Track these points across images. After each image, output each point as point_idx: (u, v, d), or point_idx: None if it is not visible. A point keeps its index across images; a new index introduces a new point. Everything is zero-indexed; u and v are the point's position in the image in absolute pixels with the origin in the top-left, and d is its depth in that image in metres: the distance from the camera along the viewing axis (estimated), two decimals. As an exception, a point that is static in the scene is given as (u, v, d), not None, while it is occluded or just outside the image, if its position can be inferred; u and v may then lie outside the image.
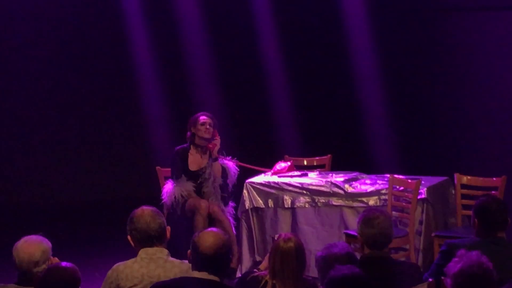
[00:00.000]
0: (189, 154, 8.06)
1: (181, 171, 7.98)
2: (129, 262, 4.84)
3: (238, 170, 8.19)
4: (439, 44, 10.85)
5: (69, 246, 8.19)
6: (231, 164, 8.15)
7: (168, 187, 7.99)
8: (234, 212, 8.14)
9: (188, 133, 8.07)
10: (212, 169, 7.99)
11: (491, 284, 4.13)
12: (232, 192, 8.18)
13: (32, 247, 4.78)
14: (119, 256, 5.31)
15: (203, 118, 7.99)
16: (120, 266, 4.84)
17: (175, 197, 7.88)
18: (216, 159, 8.00)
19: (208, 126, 7.96)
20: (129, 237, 4.89)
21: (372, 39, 10.49)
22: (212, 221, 7.81)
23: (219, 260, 4.27)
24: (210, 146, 7.99)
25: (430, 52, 10.94)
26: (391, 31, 10.97)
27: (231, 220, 8.04)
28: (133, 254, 4.93)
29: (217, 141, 8.01)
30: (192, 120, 8.05)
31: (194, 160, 8.06)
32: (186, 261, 4.77)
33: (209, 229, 4.47)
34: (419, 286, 4.94)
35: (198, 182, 8.00)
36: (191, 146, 8.07)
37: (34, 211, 11.11)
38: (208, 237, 4.29)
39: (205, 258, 4.23)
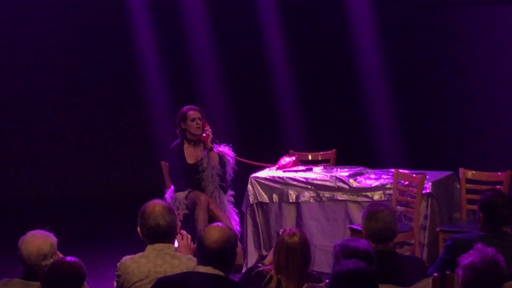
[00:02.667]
0: (184, 148, 8.09)
1: (183, 185, 8.01)
2: (136, 256, 4.84)
3: (235, 154, 8.21)
4: (444, 38, 10.83)
5: (73, 241, 8.20)
6: (226, 150, 8.17)
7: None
8: (233, 200, 8.17)
9: (178, 130, 8.09)
10: (210, 160, 8.02)
11: (498, 283, 4.13)
12: (232, 178, 8.20)
13: (40, 240, 4.79)
14: (124, 251, 5.32)
15: (191, 113, 8.02)
16: (127, 260, 4.85)
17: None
18: (211, 149, 8.04)
19: (198, 121, 8.01)
20: (138, 229, 4.90)
21: (377, 34, 10.48)
22: (211, 218, 7.84)
23: (224, 255, 4.26)
24: (203, 136, 8.01)
25: (435, 47, 10.92)
26: (396, 25, 10.95)
27: (233, 210, 8.09)
28: (138, 248, 4.94)
29: (209, 131, 8.06)
30: (180, 116, 8.06)
31: (190, 154, 8.10)
32: (194, 258, 4.78)
33: (215, 224, 4.46)
34: (424, 281, 4.94)
35: (198, 174, 8.03)
36: (184, 141, 8.10)
37: (37, 207, 11.12)
38: (214, 232, 4.28)
39: (211, 253, 4.22)
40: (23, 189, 11.72)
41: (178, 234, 5.03)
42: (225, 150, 8.18)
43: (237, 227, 8.00)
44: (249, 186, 8.02)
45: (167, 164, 8.27)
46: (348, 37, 10.69)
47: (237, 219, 8.11)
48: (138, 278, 4.77)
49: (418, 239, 7.28)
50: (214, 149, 8.08)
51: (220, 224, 4.47)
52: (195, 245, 4.47)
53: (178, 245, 4.97)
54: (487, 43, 10.45)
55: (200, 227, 7.49)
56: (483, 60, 10.50)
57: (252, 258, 7.94)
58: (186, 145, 8.13)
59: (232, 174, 8.18)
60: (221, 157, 8.09)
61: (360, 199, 7.68)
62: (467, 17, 10.63)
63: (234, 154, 8.21)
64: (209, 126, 8.08)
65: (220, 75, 11.03)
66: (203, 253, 4.25)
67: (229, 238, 4.28)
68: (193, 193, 7.96)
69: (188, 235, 5.11)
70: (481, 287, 4.10)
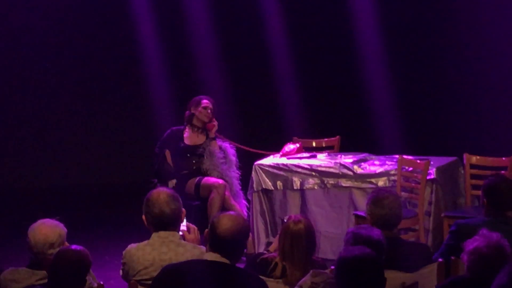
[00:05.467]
0: (184, 131, 8.15)
1: (171, 175, 8.06)
2: (141, 244, 4.86)
3: (236, 154, 8.25)
4: (447, 23, 10.80)
5: (79, 229, 8.21)
6: (228, 147, 8.21)
7: None
8: (244, 194, 8.20)
9: (187, 112, 8.16)
10: (210, 148, 8.07)
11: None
12: (240, 174, 8.22)
13: (49, 229, 4.81)
14: (129, 239, 5.33)
15: (205, 102, 8.13)
16: (132, 249, 4.86)
17: None
18: (213, 139, 8.08)
19: (209, 111, 8.10)
20: (143, 217, 4.91)
21: (379, 20, 10.45)
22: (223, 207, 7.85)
23: (234, 245, 4.25)
24: (209, 126, 8.07)
25: (438, 32, 10.90)
26: (398, 11, 10.92)
27: (244, 203, 8.11)
28: (143, 237, 4.95)
29: (215, 122, 8.13)
30: (194, 101, 8.18)
31: (191, 138, 8.16)
32: (200, 246, 4.80)
33: (229, 212, 4.45)
34: (429, 266, 4.95)
35: (195, 157, 8.06)
36: (188, 126, 8.15)
37: (43, 196, 11.14)
38: (228, 220, 4.27)
39: (221, 241, 4.22)
40: (29, 178, 11.75)
41: (185, 230, 5.03)
42: (227, 146, 8.21)
43: (245, 212, 8.02)
44: (253, 173, 8.03)
45: (169, 152, 8.29)
46: (350, 23, 10.67)
47: (245, 203, 8.14)
48: (143, 266, 4.78)
49: (423, 225, 7.28)
50: (217, 141, 8.13)
51: (233, 213, 4.46)
52: (203, 233, 4.46)
53: (185, 240, 4.97)
54: (493, 28, 10.41)
55: (214, 213, 7.57)
56: (487, 44, 10.47)
57: (260, 245, 7.95)
58: (188, 130, 8.18)
59: (237, 170, 8.19)
60: (221, 149, 8.14)
61: (364, 185, 7.68)
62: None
63: (235, 152, 8.24)
64: (216, 121, 8.15)
65: (222, 63, 11.02)
66: (213, 239, 4.25)
67: (241, 228, 4.28)
68: (207, 179, 7.97)
69: (195, 227, 5.11)
70: (486, 272, 4.11)
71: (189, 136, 8.18)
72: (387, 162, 7.89)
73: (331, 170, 7.83)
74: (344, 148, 8.70)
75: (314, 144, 8.77)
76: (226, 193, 7.91)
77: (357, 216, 7.25)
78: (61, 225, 4.89)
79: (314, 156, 8.21)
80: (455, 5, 10.73)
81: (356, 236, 4.63)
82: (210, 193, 7.84)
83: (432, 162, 7.50)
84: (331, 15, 11.31)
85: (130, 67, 11.58)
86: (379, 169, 7.75)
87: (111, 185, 11.62)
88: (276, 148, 8.53)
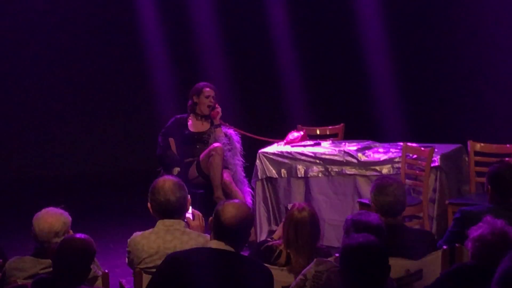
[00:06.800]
0: (188, 119, 8.14)
1: (175, 162, 8.06)
2: (146, 232, 4.87)
3: (240, 141, 8.25)
4: (450, 9, 10.77)
5: (83, 217, 8.23)
6: (233, 134, 8.21)
7: None
8: (247, 181, 8.20)
9: (190, 102, 8.15)
10: (215, 134, 8.07)
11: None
12: (244, 162, 8.22)
13: (54, 217, 4.82)
14: (134, 227, 5.34)
15: (207, 90, 8.12)
16: (137, 237, 4.88)
17: None
18: (218, 125, 8.08)
19: (212, 100, 8.08)
20: (149, 205, 4.92)
21: (381, 6, 10.43)
22: (227, 194, 7.85)
23: (239, 233, 4.25)
24: (213, 113, 8.08)
25: (440, 18, 10.87)
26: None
27: (248, 190, 8.11)
28: (148, 225, 4.96)
29: (219, 109, 8.14)
30: (195, 90, 8.17)
31: (195, 125, 8.18)
32: (204, 235, 4.80)
33: (234, 200, 4.45)
34: (433, 254, 4.95)
35: (201, 144, 8.07)
36: (191, 114, 8.15)
37: (47, 184, 11.16)
38: (232, 209, 4.26)
39: (225, 229, 4.22)
40: (33, 167, 11.76)
41: (189, 217, 5.03)
42: (232, 133, 8.21)
43: (249, 199, 8.03)
44: (257, 161, 8.03)
45: (174, 140, 8.30)
46: (354, 10, 10.65)
47: (250, 190, 8.15)
48: (148, 254, 4.79)
49: (427, 212, 7.28)
50: (222, 128, 8.13)
51: (238, 201, 4.46)
52: (209, 220, 4.46)
53: (190, 227, 4.98)
54: (496, 14, 10.38)
55: (217, 173, 7.58)
56: (491, 31, 10.44)
57: (262, 233, 7.96)
58: (192, 118, 8.18)
59: (241, 158, 8.19)
60: (226, 135, 8.15)
61: (368, 173, 7.67)
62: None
63: (239, 139, 8.24)
64: (219, 107, 8.14)
65: (226, 51, 11.00)
66: (218, 227, 4.25)
67: (246, 216, 4.27)
68: (203, 153, 7.96)
69: (200, 214, 5.12)
70: (490, 259, 4.11)
71: (193, 124, 8.19)
72: (391, 150, 7.88)
73: (335, 157, 7.82)
74: (348, 136, 8.69)
75: (318, 132, 8.77)
76: (228, 178, 7.92)
77: (361, 203, 7.24)
78: (66, 214, 4.90)
79: (318, 144, 8.21)
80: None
81: (356, 222, 4.64)
82: (208, 159, 7.87)
83: (436, 149, 7.49)
84: (335, 2, 11.29)
85: (133, 56, 11.58)
86: (384, 157, 7.74)
87: (116, 173, 11.64)
88: (280, 136, 8.52)
